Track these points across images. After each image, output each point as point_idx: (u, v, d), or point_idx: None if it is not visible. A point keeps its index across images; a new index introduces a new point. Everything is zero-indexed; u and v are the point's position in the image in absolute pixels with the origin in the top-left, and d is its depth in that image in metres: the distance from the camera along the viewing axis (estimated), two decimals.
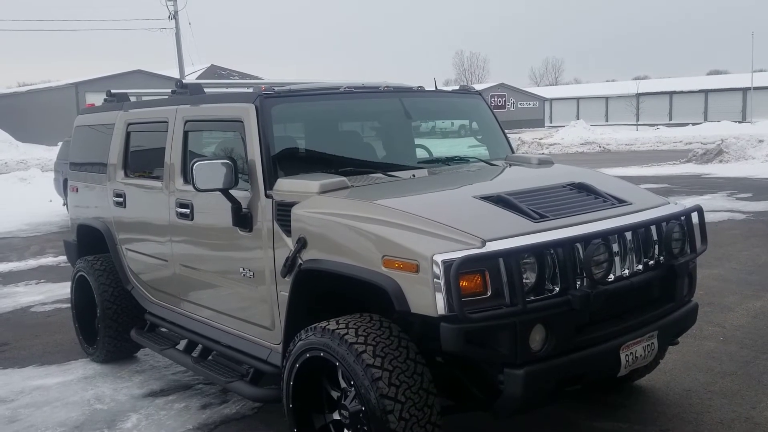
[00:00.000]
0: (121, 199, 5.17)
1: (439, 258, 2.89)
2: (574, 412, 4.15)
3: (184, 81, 4.78)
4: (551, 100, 64.31)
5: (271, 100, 3.92)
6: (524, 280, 2.96)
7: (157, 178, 4.74)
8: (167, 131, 4.60)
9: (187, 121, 4.45)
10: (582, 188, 3.71)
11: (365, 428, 3.13)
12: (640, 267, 3.39)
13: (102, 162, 5.44)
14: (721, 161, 20.98)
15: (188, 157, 4.44)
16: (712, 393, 4.32)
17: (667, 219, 3.52)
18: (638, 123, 48.27)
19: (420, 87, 4.78)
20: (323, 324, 3.28)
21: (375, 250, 3.16)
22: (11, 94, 50.89)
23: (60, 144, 16.28)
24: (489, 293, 2.92)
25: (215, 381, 4.29)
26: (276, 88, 4.07)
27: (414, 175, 4.01)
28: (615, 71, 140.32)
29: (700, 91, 55.98)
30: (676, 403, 4.22)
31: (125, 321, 5.35)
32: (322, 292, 3.61)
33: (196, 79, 37.67)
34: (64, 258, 10.33)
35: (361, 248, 3.24)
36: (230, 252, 4.07)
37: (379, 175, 3.97)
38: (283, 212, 3.66)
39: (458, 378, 3.36)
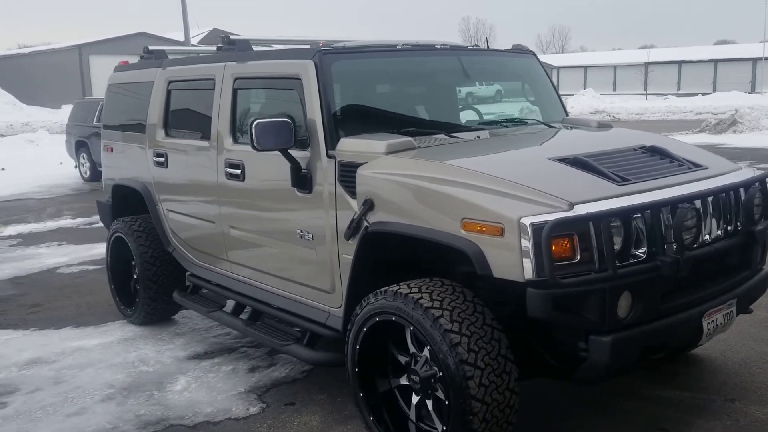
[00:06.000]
0: (162, 159, 5.03)
1: (527, 221, 2.78)
2: (634, 380, 4.08)
3: (231, 37, 4.61)
4: (559, 68, 63.47)
5: (330, 57, 3.77)
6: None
7: (202, 137, 4.60)
8: (214, 89, 4.45)
9: (236, 79, 4.29)
10: (655, 152, 3.59)
11: (440, 394, 3.07)
12: (720, 233, 3.30)
13: (140, 121, 5.30)
14: (735, 131, 20.73)
15: (237, 116, 4.31)
16: None
17: (747, 184, 3.42)
18: (647, 92, 47.78)
19: (475, 45, 4.62)
20: (394, 288, 3.19)
21: (453, 213, 3.04)
22: (14, 55, 50.11)
23: (71, 106, 16.06)
24: (578, 258, 2.82)
25: (269, 344, 4.22)
26: (333, 45, 3.93)
27: (479, 137, 3.88)
28: (621, 39, 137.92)
29: (710, 60, 55.18)
30: (735, 372, 4.15)
31: (165, 283, 5.26)
32: (384, 256, 3.51)
33: (199, 42, 36.94)
34: (82, 220, 10.28)
35: (436, 210, 3.13)
36: (286, 213, 3.96)
37: (442, 135, 3.84)
38: (346, 173, 3.54)
39: (531, 345, 3.28)
